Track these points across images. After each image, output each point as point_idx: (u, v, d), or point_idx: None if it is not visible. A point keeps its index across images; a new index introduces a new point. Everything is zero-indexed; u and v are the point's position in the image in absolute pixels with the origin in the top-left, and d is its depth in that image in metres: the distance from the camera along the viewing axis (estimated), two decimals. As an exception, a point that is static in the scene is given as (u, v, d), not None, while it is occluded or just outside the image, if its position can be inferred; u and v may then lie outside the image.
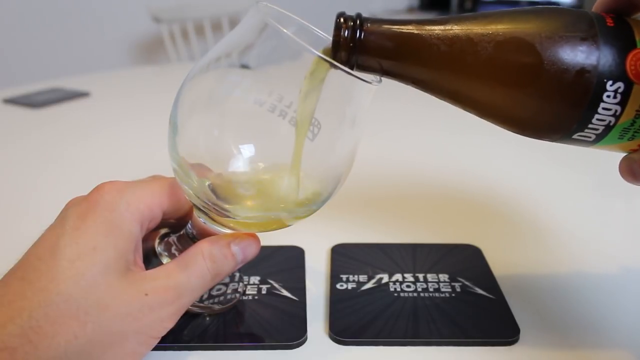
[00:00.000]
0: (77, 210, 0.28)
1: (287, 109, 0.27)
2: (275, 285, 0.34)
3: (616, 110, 0.24)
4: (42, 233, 0.28)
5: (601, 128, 0.25)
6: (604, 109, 0.24)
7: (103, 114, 0.77)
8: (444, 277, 0.35)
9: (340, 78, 0.26)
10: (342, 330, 0.30)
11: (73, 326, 0.24)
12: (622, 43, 0.24)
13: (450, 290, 0.33)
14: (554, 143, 0.28)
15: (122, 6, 1.87)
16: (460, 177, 0.54)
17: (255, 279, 0.35)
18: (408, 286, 0.34)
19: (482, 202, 0.48)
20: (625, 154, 0.27)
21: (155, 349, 0.29)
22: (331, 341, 0.30)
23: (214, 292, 0.33)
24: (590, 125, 0.24)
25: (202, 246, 0.29)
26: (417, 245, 0.39)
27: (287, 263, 0.37)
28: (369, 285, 0.34)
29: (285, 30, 0.26)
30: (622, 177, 0.27)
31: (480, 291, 0.33)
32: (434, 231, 0.43)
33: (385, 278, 0.35)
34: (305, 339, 0.30)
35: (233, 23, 1.79)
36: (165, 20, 1.68)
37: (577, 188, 0.53)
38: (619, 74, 0.23)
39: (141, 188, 0.30)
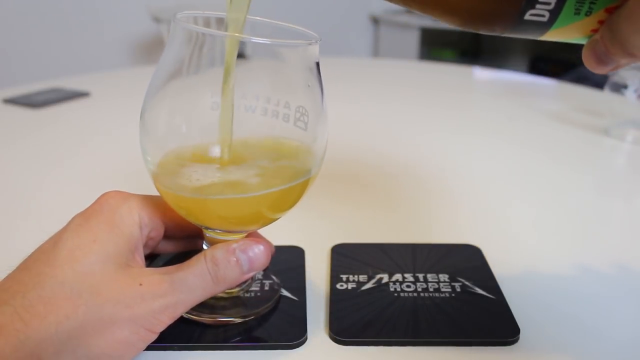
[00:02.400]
0: (81, 213, 0.30)
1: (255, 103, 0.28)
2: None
3: None
4: (43, 233, 0.29)
5: (553, 0, 0.22)
6: None
7: (103, 114, 0.77)
8: (444, 277, 0.35)
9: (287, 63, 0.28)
10: (342, 330, 0.30)
11: (65, 307, 0.25)
12: None
13: (450, 290, 0.33)
14: (508, 36, 0.25)
15: (122, 6, 1.87)
16: (460, 177, 0.54)
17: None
18: (408, 286, 0.34)
19: (482, 202, 0.48)
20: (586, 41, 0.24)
21: (155, 349, 0.29)
22: (331, 341, 0.30)
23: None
24: None
25: (207, 249, 0.29)
26: (417, 245, 0.39)
27: (287, 263, 0.37)
28: (369, 285, 0.34)
29: (199, 28, 0.26)
30: (587, 65, 0.24)
31: (480, 291, 0.33)
32: (434, 231, 0.43)
33: (385, 278, 0.35)
34: (305, 339, 0.30)
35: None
36: (165, 20, 1.68)
37: (577, 188, 0.53)
38: None
39: (144, 198, 0.31)
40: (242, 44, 0.27)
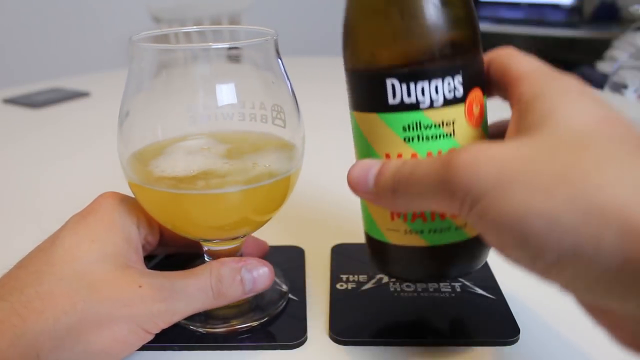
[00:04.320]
0: (79, 212, 0.30)
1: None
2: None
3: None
4: (43, 233, 0.29)
5: None
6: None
7: (103, 114, 0.77)
8: (444, 277, 0.35)
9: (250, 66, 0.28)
10: (342, 330, 0.30)
11: (63, 303, 0.25)
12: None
13: (450, 290, 0.33)
14: None
15: (122, 6, 1.87)
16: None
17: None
18: (408, 286, 0.34)
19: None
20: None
21: (155, 348, 0.29)
22: (331, 341, 0.30)
23: None
24: None
25: (214, 263, 0.29)
26: (417, 245, 0.39)
27: (287, 263, 0.37)
28: (369, 285, 0.34)
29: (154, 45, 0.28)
30: (351, 181, 0.25)
31: (480, 291, 0.33)
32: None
33: (385, 278, 0.35)
34: (305, 339, 0.30)
35: (233, 23, 1.79)
36: (165, 20, 1.68)
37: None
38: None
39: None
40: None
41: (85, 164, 0.58)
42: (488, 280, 0.35)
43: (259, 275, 0.29)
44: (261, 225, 0.31)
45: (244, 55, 0.29)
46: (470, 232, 0.26)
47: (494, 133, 0.27)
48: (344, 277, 0.35)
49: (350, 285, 0.34)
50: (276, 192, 0.30)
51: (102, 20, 1.86)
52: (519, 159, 0.18)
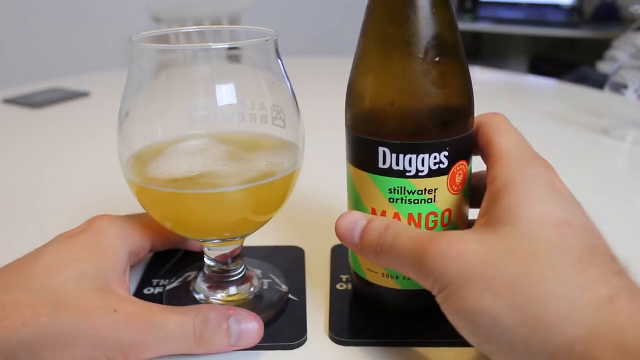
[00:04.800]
0: (67, 232, 0.29)
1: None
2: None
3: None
4: (42, 233, 0.29)
5: None
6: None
7: (103, 114, 0.77)
8: (444, 277, 0.35)
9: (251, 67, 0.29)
10: (342, 331, 0.30)
11: (25, 315, 0.23)
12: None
13: (450, 290, 0.33)
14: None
15: (122, 6, 1.87)
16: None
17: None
18: (408, 286, 0.34)
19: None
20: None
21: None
22: (331, 342, 0.30)
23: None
24: None
25: (202, 305, 0.28)
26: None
27: (287, 263, 0.37)
28: (369, 285, 0.34)
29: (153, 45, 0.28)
30: (339, 232, 0.28)
31: (480, 291, 0.33)
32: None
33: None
34: (305, 339, 0.30)
35: (233, 23, 1.79)
36: (165, 20, 1.68)
37: (577, 188, 0.52)
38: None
39: (133, 219, 0.31)
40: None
41: (85, 164, 0.58)
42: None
43: (247, 329, 0.27)
44: (261, 225, 0.31)
45: (243, 55, 0.29)
46: None
47: (475, 184, 0.30)
48: (344, 277, 0.35)
49: (350, 286, 0.34)
50: (276, 192, 0.30)
51: (102, 20, 1.86)
52: (479, 261, 0.22)
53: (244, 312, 0.28)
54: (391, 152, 0.26)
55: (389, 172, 0.27)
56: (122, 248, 0.29)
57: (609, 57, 1.62)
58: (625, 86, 0.63)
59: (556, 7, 2.51)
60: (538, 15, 2.49)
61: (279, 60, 0.30)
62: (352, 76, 0.28)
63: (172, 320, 0.25)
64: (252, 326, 0.27)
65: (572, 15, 2.44)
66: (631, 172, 0.58)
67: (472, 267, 0.22)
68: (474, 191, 0.30)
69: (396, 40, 0.26)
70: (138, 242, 0.30)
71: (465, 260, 0.22)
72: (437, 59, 0.26)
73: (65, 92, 0.86)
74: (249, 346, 0.28)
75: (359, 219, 0.27)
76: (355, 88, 0.28)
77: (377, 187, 0.27)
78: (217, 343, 0.26)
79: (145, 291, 0.33)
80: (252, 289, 0.33)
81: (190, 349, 0.26)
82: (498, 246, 0.22)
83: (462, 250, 0.22)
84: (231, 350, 0.27)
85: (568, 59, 2.34)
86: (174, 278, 0.34)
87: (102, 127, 0.72)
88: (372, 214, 0.28)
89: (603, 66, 1.61)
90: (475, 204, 0.29)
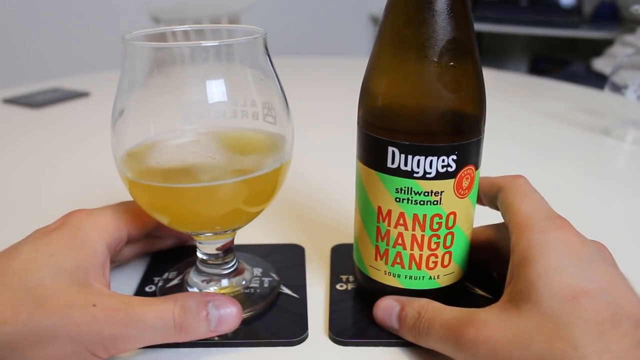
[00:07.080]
0: (43, 227, 0.29)
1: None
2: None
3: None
4: None
5: None
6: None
7: (103, 114, 0.77)
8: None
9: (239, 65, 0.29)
10: (342, 331, 0.30)
11: (5, 312, 0.23)
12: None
13: (450, 290, 0.33)
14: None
15: (122, 6, 1.87)
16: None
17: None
18: (408, 286, 0.34)
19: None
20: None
21: (155, 346, 0.29)
22: (331, 342, 0.30)
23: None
24: None
25: (180, 294, 0.27)
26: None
27: (288, 261, 0.37)
28: (369, 285, 0.34)
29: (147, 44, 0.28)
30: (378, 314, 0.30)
31: (479, 291, 0.33)
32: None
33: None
34: (307, 336, 0.30)
35: (233, 23, 1.79)
36: (165, 20, 1.68)
37: (577, 188, 0.53)
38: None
39: (109, 211, 0.31)
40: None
41: (85, 164, 0.58)
42: (487, 280, 0.35)
43: (226, 314, 0.27)
44: (252, 218, 0.32)
45: (234, 53, 0.29)
46: (442, 282, 0.29)
47: (488, 238, 0.33)
48: (344, 277, 0.35)
49: (349, 286, 0.34)
50: (267, 184, 0.30)
51: (102, 21, 1.86)
52: (506, 345, 0.24)
53: (222, 298, 0.28)
54: (400, 153, 0.27)
55: (397, 172, 0.27)
56: (100, 242, 0.29)
57: (608, 55, 1.61)
58: (625, 86, 0.63)
59: (556, 7, 2.51)
60: (538, 15, 2.49)
61: (268, 58, 0.30)
62: (366, 75, 0.28)
63: (152, 312, 0.26)
64: (230, 311, 0.28)
65: (572, 16, 2.44)
66: (631, 172, 0.58)
67: (501, 351, 0.24)
68: (490, 248, 0.32)
69: (412, 43, 0.26)
70: (115, 234, 0.30)
71: (494, 346, 0.24)
72: (452, 63, 0.26)
73: (65, 92, 0.86)
74: (229, 331, 0.28)
75: (393, 305, 0.29)
76: (369, 87, 0.28)
77: (385, 186, 0.28)
78: (197, 330, 0.27)
79: (147, 289, 0.34)
80: (244, 282, 0.33)
81: (171, 337, 0.26)
82: (522, 327, 0.24)
83: (490, 337, 0.24)
84: (212, 336, 0.28)
85: (568, 59, 2.34)
86: (174, 275, 0.34)
87: (102, 127, 0.72)
88: (379, 212, 0.29)
89: (599, 64, 1.60)
90: (498, 266, 0.32)
